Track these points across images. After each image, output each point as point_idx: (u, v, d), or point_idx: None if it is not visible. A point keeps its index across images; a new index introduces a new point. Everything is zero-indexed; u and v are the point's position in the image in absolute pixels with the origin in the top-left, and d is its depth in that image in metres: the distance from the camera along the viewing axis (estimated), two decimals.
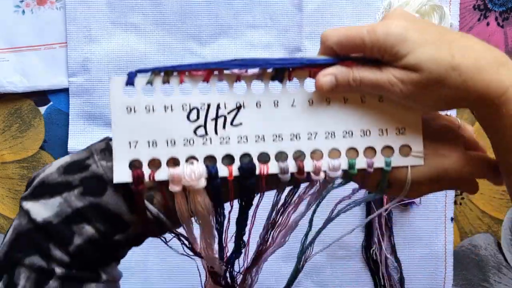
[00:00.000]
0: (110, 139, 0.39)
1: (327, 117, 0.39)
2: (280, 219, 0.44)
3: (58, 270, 0.34)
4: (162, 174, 0.36)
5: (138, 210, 0.36)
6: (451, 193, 0.65)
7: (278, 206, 0.42)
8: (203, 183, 0.36)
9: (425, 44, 0.34)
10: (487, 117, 0.36)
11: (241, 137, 0.38)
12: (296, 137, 0.38)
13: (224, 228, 0.41)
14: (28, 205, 0.35)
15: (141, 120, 0.38)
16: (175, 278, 0.65)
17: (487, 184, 0.66)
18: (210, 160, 0.37)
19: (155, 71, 0.36)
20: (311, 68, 0.37)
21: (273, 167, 0.37)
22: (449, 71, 0.34)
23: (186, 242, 0.43)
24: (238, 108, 0.37)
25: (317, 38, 0.65)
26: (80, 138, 0.63)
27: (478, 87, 0.34)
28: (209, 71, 0.36)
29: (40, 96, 0.64)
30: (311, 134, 0.39)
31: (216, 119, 0.37)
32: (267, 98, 0.38)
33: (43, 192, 0.36)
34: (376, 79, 0.35)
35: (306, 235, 0.53)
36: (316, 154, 0.38)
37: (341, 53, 0.37)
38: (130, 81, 0.38)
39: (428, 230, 0.65)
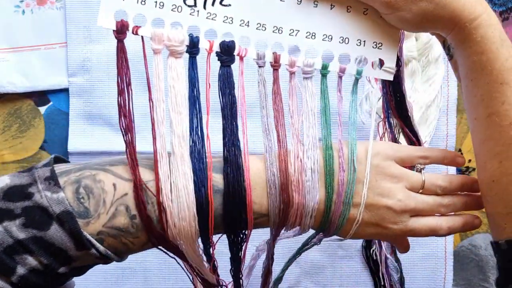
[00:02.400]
0: (55, 162, 0.38)
1: (312, 18, 0.41)
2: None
3: None
4: (145, 30, 0.38)
5: (84, 247, 0.35)
6: None
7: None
8: (183, 48, 0.37)
9: None
10: (459, 43, 0.38)
11: (227, 18, 0.39)
12: (278, 31, 0.40)
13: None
14: None
15: None
16: (175, 278, 0.65)
17: None
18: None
19: None
20: None
21: (251, 51, 0.39)
22: None
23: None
24: None
25: None
26: (80, 138, 0.63)
27: (454, 6, 0.37)
28: None
29: (40, 96, 0.64)
30: (293, 31, 0.40)
31: None
32: None
33: None
34: None
35: None
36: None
37: None
38: None
39: None
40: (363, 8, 0.41)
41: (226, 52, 0.39)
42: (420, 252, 0.65)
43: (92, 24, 0.63)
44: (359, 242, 0.65)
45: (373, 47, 0.42)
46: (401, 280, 0.65)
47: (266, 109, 0.41)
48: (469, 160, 0.65)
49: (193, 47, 0.38)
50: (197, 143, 0.38)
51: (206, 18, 0.39)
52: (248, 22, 0.40)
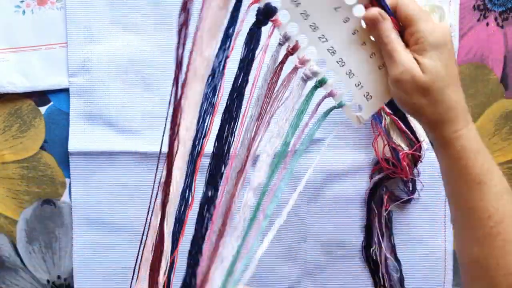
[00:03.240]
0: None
1: (348, 47, 0.46)
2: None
3: None
4: None
5: None
6: None
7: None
8: None
9: (442, 68, 0.43)
10: (439, 145, 0.45)
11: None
12: (322, 38, 0.45)
13: None
14: None
15: None
16: (175, 278, 0.65)
17: None
18: None
19: None
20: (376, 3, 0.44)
21: (282, 27, 0.45)
22: (442, 89, 0.43)
23: None
24: None
25: None
26: (80, 138, 0.64)
27: (443, 116, 0.43)
28: None
29: (40, 96, 0.64)
30: (332, 49, 0.46)
31: None
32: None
33: None
34: (395, 48, 0.43)
35: None
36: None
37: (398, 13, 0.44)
38: None
39: (428, 230, 0.65)
40: (381, 62, 0.46)
41: (266, 14, 0.43)
42: (420, 252, 0.66)
43: (92, 24, 0.63)
44: (359, 242, 0.65)
45: (364, 95, 0.47)
46: (401, 280, 0.65)
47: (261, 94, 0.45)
48: None
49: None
50: None
51: None
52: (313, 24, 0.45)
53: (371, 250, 0.64)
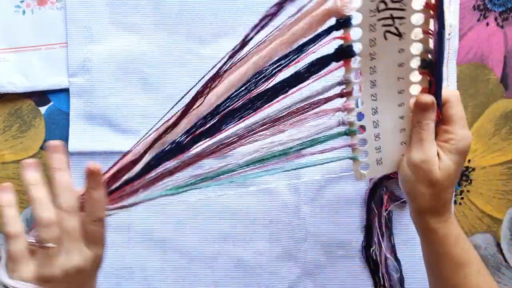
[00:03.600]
0: None
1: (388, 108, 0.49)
2: None
3: None
4: None
5: None
6: None
7: None
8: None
9: (455, 172, 0.48)
10: (422, 228, 0.50)
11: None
12: (372, 96, 0.48)
13: None
14: None
15: None
16: (175, 278, 0.65)
17: (487, 184, 0.67)
18: None
19: None
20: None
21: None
22: (446, 188, 0.48)
23: None
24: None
25: None
26: (81, 138, 0.63)
27: (433, 204, 0.48)
28: None
29: (40, 96, 0.64)
30: (374, 109, 0.49)
31: None
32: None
33: None
34: (428, 137, 0.47)
35: None
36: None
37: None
38: None
39: None
40: (406, 139, 0.50)
41: (344, 54, 0.46)
42: (420, 252, 0.65)
43: (92, 24, 0.63)
44: (359, 242, 0.65)
45: (377, 159, 0.51)
46: (401, 280, 0.65)
47: None
48: (469, 160, 0.66)
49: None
50: None
51: None
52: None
53: (371, 250, 0.64)
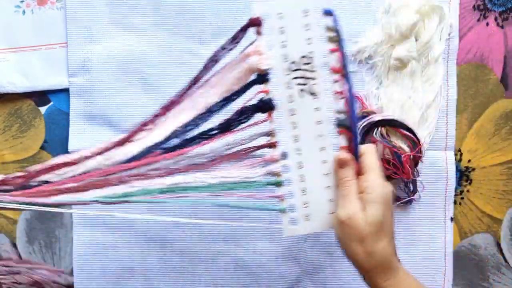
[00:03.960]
0: None
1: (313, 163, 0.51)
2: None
3: None
4: None
5: None
6: (450, 193, 0.65)
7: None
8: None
9: (382, 222, 0.47)
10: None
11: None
12: (296, 150, 0.51)
13: None
14: None
15: None
16: (175, 278, 0.65)
17: (487, 184, 0.67)
18: None
19: None
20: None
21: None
22: (376, 242, 0.47)
23: None
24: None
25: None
26: (80, 138, 0.64)
27: (372, 264, 0.47)
28: None
29: (40, 96, 0.64)
30: (300, 151, 0.51)
31: None
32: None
33: None
34: (350, 193, 0.48)
35: None
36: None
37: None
38: None
39: (428, 230, 0.65)
40: (333, 196, 0.51)
41: (266, 107, 0.50)
42: (420, 252, 0.66)
43: (92, 24, 0.63)
44: None
45: (305, 215, 0.51)
46: None
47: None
48: (469, 160, 0.66)
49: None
50: None
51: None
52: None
53: None
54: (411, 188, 0.64)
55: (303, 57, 0.50)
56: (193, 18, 0.63)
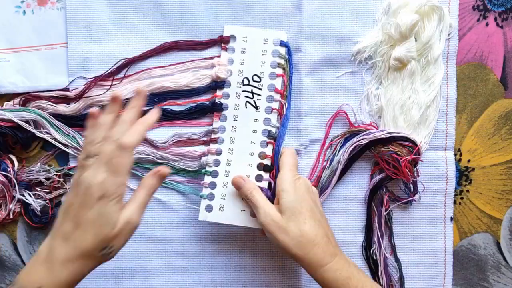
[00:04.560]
0: None
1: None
2: None
3: None
4: None
5: None
6: (450, 193, 0.65)
7: None
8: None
9: (297, 203, 0.54)
10: (315, 277, 0.53)
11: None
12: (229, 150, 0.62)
13: None
14: None
15: None
16: (175, 278, 0.65)
17: (486, 184, 0.67)
18: None
19: None
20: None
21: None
22: (298, 225, 0.53)
23: None
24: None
25: (317, 38, 0.66)
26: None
27: (306, 255, 0.52)
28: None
29: None
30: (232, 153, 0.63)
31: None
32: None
33: None
34: (257, 199, 0.56)
35: None
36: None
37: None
38: None
39: (428, 230, 0.65)
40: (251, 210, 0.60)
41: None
42: (420, 252, 0.66)
43: (92, 24, 0.63)
44: (359, 242, 0.65)
45: (220, 205, 0.61)
46: (401, 280, 0.65)
47: None
48: (468, 160, 0.66)
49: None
50: None
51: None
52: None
53: (371, 250, 0.64)
54: (411, 189, 0.64)
55: (255, 75, 0.61)
56: (192, 18, 0.63)
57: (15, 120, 0.61)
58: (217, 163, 0.62)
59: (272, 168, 0.61)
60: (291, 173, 0.56)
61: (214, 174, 0.61)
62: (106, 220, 0.46)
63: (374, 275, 0.65)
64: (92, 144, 0.47)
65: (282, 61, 0.62)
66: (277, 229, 0.53)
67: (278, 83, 0.62)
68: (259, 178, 0.61)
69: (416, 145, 0.61)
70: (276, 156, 0.61)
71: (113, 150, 0.46)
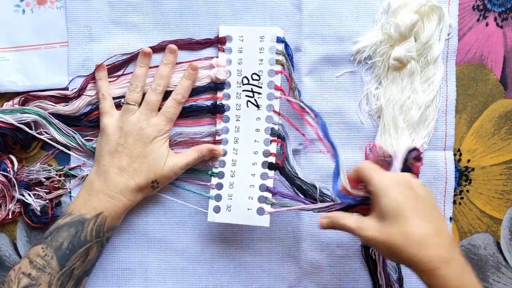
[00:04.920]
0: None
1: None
2: None
3: None
4: None
5: None
6: (449, 193, 0.65)
7: None
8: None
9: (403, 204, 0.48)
10: (423, 279, 0.46)
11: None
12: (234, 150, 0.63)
13: None
14: None
15: None
16: (175, 278, 0.65)
17: (486, 184, 0.67)
18: None
19: None
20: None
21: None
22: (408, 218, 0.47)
23: None
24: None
25: (316, 38, 0.66)
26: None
27: (410, 255, 0.46)
28: None
29: None
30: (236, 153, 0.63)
31: None
32: None
33: None
34: (351, 228, 0.50)
35: None
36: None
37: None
38: None
39: None
40: (258, 188, 0.62)
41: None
42: None
43: (92, 23, 0.63)
44: (358, 242, 0.65)
45: (227, 205, 0.61)
46: (400, 280, 0.65)
47: None
48: (468, 160, 0.66)
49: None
50: None
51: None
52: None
53: (371, 250, 0.64)
54: None
55: (254, 74, 0.61)
56: (192, 18, 0.64)
57: (15, 124, 0.61)
58: (222, 164, 0.62)
59: (276, 165, 0.61)
60: (379, 176, 0.50)
61: (220, 175, 0.62)
62: (160, 157, 0.58)
63: (374, 274, 0.65)
64: (134, 92, 0.60)
65: (280, 58, 0.61)
66: (381, 242, 0.48)
67: (277, 80, 0.62)
68: (264, 177, 0.61)
69: (417, 149, 0.61)
70: (287, 150, 0.61)
71: (158, 100, 0.60)
